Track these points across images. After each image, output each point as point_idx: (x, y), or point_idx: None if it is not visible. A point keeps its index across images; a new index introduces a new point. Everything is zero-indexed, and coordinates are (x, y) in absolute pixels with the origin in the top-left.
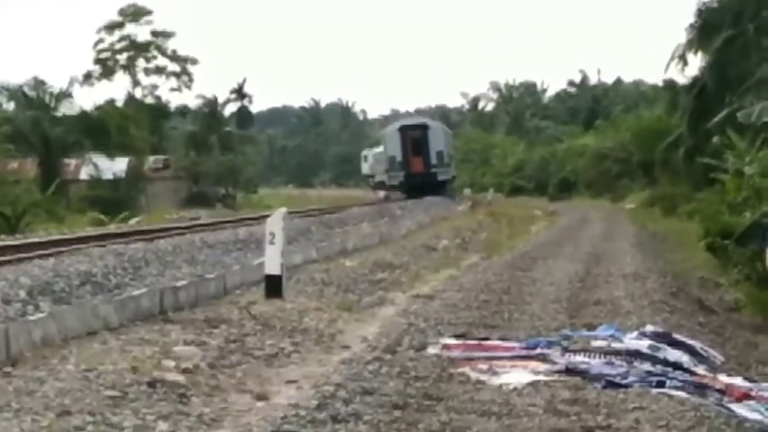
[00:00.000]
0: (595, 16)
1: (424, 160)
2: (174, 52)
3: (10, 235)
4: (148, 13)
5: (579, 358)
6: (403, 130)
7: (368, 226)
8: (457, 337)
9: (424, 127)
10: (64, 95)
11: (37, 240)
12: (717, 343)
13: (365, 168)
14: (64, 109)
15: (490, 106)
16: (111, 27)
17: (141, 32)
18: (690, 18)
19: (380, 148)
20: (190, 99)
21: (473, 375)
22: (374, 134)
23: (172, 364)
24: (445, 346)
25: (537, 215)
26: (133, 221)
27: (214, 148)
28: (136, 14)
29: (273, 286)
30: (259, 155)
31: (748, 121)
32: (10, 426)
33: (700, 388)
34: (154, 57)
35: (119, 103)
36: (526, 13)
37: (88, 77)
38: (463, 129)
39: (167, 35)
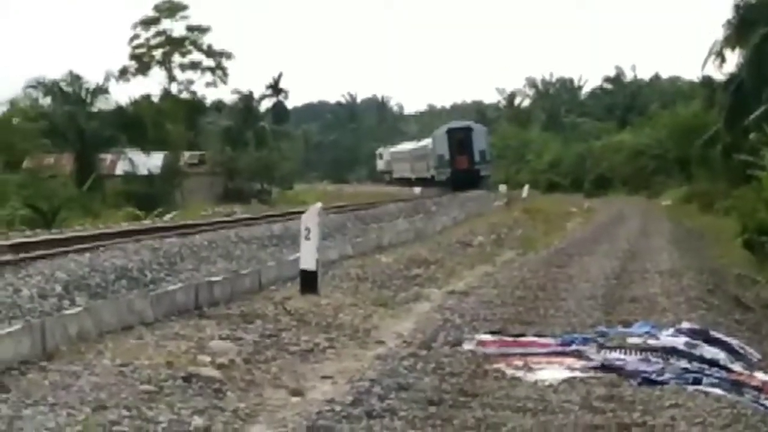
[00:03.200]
0: (632, 12)
1: (469, 158)
2: (209, 47)
3: (46, 230)
4: (184, 8)
5: (615, 354)
6: (450, 132)
7: (403, 222)
8: (492, 333)
9: (468, 129)
10: (100, 90)
11: (72, 235)
12: (754, 340)
13: (380, 165)
14: (100, 105)
15: (526, 102)
16: (147, 22)
17: (176, 27)
18: (728, 14)
19: (396, 147)
20: (225, 94)
21: (508, 371)
22: (410, 130)
23: (207, 359)
24: (481, 343)
25: (573, 212)
26: (168, 216)
27: (249, 143)
28: (171, 10)
29: (308, 281)
30: (295, 151)
31: None
32: (46, 420)
33: (737, 386)
34: (190, 52)
35: (155, 99)
36: (563, 9)
37: (123, 73)
38: (499, 125)
39: (203, 30)
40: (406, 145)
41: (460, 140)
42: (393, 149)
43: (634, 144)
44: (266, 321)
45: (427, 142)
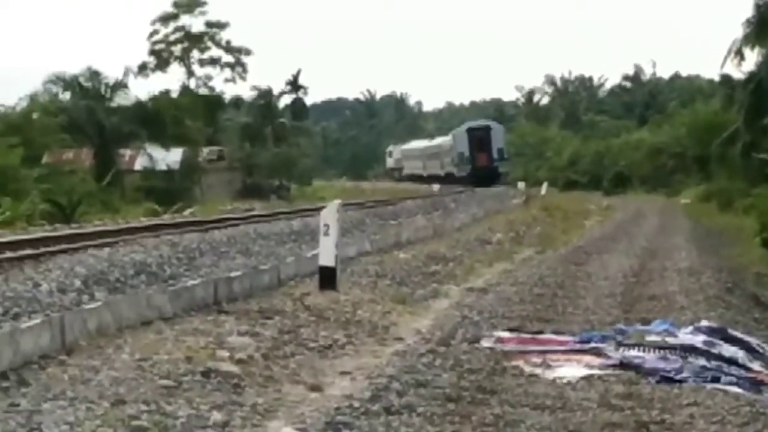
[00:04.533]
0: (652, 10)
1: (488, 156)
2: (228, 42)
3: (66, 225)
4: (203, 4)
5: (633, 352)
6: (470, 131)
7: (422, 218)
8: (510, 330)
9: (487, 128)
10: (120, 85)
11: (92, 230)
12: None
13: (390, 162)
14: (120, 100)
15: (545, 100)
16: (166, 18)
17: (195, 23)
18: (747, 12)
19: (407, 145)
20: (244, 90)
21: (527, 368)
22: (429, 127)
23: (226, 354)
24: (499, 340)
25: (591, 210)
26: (187, 212)
27: (268, 139)
28: (190, 5)
29: (327, 277)
30: (314, 147)
31: None
32: (66, 414)
33: (756, 384)
34: (208, 48)
35: (174, 95)
36: (582, 6)
37: (143, 68)
38: (518, 123)
39: (221, 26)
40: (418, 143)
41: (479, 138)
42: (404, 147)
43: (653, 142)
44: (285, 317)
45: (441, 140)
